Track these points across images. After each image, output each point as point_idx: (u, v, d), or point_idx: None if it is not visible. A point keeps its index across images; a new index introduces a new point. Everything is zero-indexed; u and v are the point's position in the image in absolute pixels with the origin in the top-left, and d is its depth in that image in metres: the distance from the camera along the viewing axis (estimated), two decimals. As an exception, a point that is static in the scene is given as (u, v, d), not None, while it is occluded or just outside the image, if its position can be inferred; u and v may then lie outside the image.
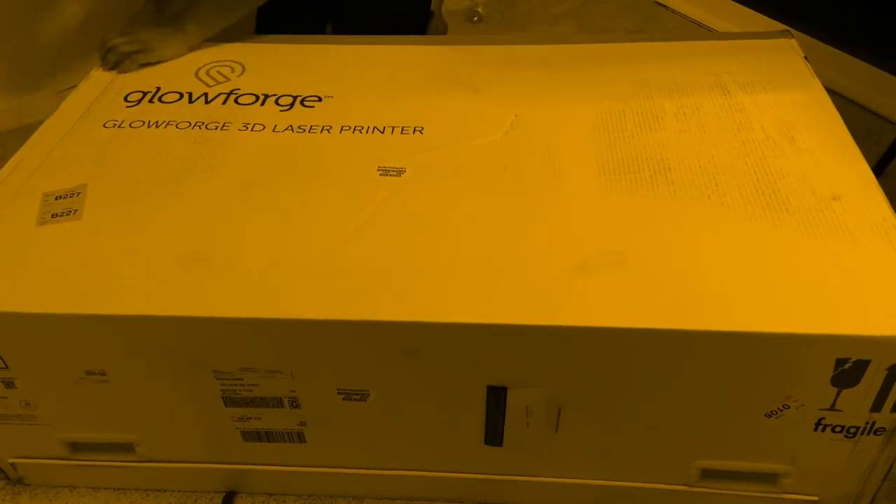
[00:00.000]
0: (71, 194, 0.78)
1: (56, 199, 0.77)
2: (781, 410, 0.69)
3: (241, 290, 0.69)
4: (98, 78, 0.98)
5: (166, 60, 1.00)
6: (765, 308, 0.66)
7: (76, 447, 0.80)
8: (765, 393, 0.68)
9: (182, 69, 1.00)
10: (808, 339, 0.64)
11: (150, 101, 0.93)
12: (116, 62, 0.98)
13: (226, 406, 0.74)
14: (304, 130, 0.89)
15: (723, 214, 0.75)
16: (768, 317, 0.65)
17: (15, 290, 0.69)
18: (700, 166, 0.81)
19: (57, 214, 0.75)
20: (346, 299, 0.68)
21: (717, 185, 0.78)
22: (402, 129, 0.88)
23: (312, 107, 0.93)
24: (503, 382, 0.71)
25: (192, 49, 1.02)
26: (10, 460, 0.82)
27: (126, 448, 0.79)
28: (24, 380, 0.73)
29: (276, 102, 0.94)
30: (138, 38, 0.99)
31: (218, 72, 0.99)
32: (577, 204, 0.77)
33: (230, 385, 0.72)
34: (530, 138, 0.86)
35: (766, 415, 0.70)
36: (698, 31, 1.79)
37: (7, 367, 0.71)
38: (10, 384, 0.73)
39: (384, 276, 0.70)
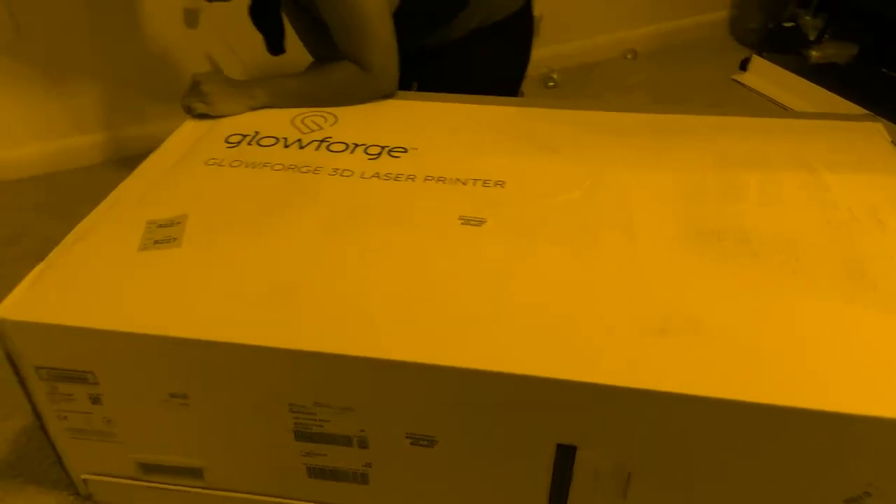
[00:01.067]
0: (172, 223, 0.83)
1: (158, 226, 0.82)
2: (861, 498, 0.66)
3: (322, 325, 0.71)
4: (202, 118, 1.05)
5: (225, 116, 1.05)
6: (848, 388, 0.64)
7: (147, 468, 0.82)
8: (844, 477, 0.66)
9: (279, 116, 1.05)
10: (894, 424, 0.62)
11: (249, 143, 0.99)
12: (185, 110, 1.06)
13: (296, 440, 0.76)
14: (390, 178, 0.92)
15: (806, 289, 0.74)
16: (851, 397, 0.63)
17: (114, 309, 0.73)
18: (783, 241, 0.80)
19: (158, 241, 0.80)
20: (421, 342, 0.69)
21: (799, 260, 0.78)
22: (484, 182, 0.91)
23: (398, 157, 0.97)
24: (573, 441, 0.70)
25: (251, 110, 1.07)
26: (83, 476, 0.85)
27: (195, 473, 0.81)
28: (110, 397, 0.76)
29: (365, 151, 0.98)
30: (199, 91, 1.05)
31: (312, 121, 1.05)
32: (656, 267, 0.78)
33: (303, 419, 0.74)
34: (609, 199, 0.88)
35: (845, 501, 0.67)
36: (776, 109, 1.79)
37: (97, 384, 0.75)
38: (96, 400, 0.76)
39: (460, 323, 0.71)
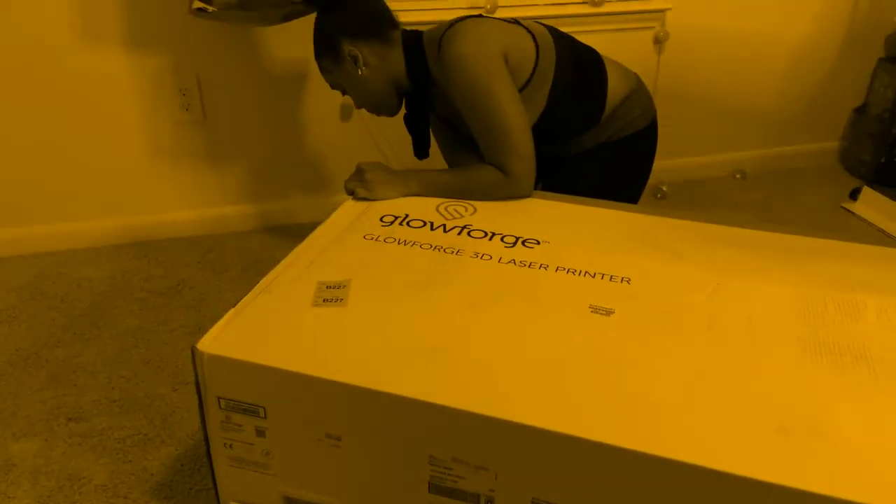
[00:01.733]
0: (339, 286, 0.95)
1: (327, 287, 0.95)
2: None
3: (468, 386, 0.80)
4: (360, 200, 1.20)
5: (381, 200, 1.21)
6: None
7: (290, 502, 0.91)
8: None
9: (426, 203, 1.19)
10: None
11: (400, 223, 1.13)
12: (348, 192, 1.23)
13: (429, 492, 0.83)
14: (525, 265, 1.03)
15: (929, 407, 0.77)
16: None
17: (290, 352, 0.85)
18: (904, 360, 0.84)
19: (327, 300, 0.92)
20: (556, 412, 0.77)
21: (921, 380, 0.81)
22: (611, 278, 1.00)
23: (532, 248, 1.08)
24: (692, 525, 0.74)
25: (403, 196, 1.22)
26: (232, 502, 0.94)
27: (331, 512, 0.89)
28: (273, 431, 0.86)
29: (502, 240, 1.09)
30: (363, 178, 1.22)
31: (454, 209, 1.18)
32: (778, 371, 0.83)
33: (440, 472, 0.82)
34: (732, 306, 0.94)
35: None
36: (887, 240, 1.81)
37: (265, 418, 0.86)
38: (261, 433, 0.87)
39: (593, 399, 0.78)
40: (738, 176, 2.10)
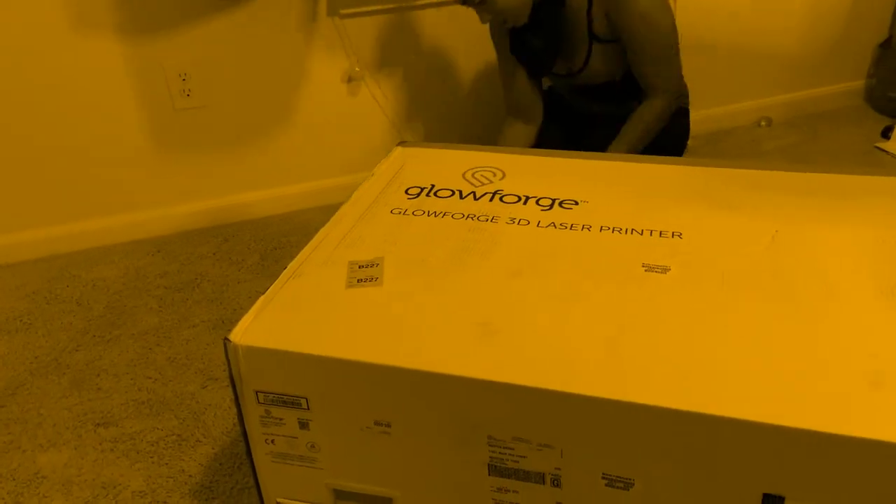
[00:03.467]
0: (372, 264, 0.89)
1: (359, 267, 0.89)
2: None
3: (524, 361, 0.74)
4: (382, 174, 1.13)
5: (499, 11, 1.27)
6: None
7: (340, 495, 0.86)
8: None
9: (450, 172, 1.12)
10: None
11: (427, 195, 1.06)
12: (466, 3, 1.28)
13: (489, 474, 0.78)
14: (566, 227, 0.96)
15: None
16: None
17: (330, 338, 0.79)
18: None
19: (362, 280, 0.86)
20: (624, 381, 0.71)
21: None
22: (661, 233, 0.93)
23: (570, 209, 1.01)
24: (781, 492, 0.68)
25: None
26: (278, 500, 0.89)
27: (385, 503, 0.84)
28: (318, 423, 0.81)
29: (537, 203, 1.03)
30: None
31: (482, 175, 1.11)
32: (860, 320, 0.76)
33: (499, 453, 0.76)
34: (796, 253, 0.88)
35: None
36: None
37: (308, 409, 0.80)
38: (304, 425, 0.81)
39: (662, 364, 0.72)
40: (763, 123, 2.02)
